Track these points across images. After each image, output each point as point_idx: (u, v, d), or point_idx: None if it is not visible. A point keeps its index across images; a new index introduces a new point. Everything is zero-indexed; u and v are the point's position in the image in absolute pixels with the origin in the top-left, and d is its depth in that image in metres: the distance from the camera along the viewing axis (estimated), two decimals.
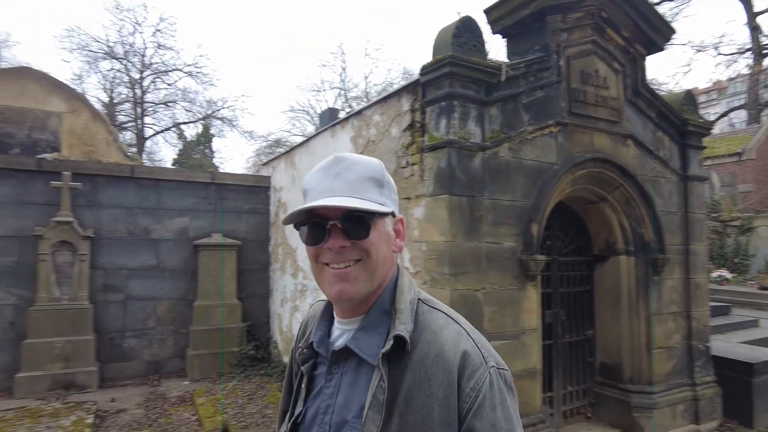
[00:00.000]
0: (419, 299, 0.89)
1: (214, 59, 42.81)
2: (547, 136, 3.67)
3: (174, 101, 23.36)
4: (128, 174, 5.74)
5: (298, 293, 5.50)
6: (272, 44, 41.40)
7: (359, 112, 4.38)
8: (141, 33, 22.74)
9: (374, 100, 4.22)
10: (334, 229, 0.83)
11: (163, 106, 23.41)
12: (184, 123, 24.41)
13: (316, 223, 0.85)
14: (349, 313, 0.90)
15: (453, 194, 3.15)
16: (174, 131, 24.42)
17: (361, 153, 4.16)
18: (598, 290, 4.36)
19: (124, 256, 5.66)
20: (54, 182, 5.25)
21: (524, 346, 3.44)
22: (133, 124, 23.13)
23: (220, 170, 18.27)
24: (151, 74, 23.13)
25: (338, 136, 4.70)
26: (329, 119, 8.16)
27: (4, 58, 20.74)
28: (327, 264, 0.85)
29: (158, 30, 22.54)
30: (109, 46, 22.12)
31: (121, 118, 22.99)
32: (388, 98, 3.94)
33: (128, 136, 23.54)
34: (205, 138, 25.62)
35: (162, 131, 23.94)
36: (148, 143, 23.78)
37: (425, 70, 3.35)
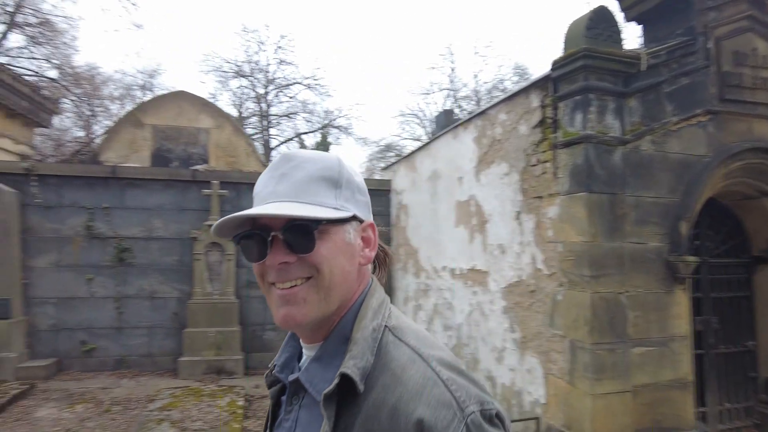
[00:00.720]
0: (387, 327, 0.72)
1: (329, 71, 45.12)
2: (695, 127, 3.36)
3: (295, 113, 25.11)
4: None
5: (421, 293, 5.63)
6: (382, 51, 42.62)
7: (483, 112, 4.37)
8: (264, 51, 24.66)
9: (499, 98, 4.20)
10: (276, 241, 0.69)
11: (285, 117, 25.33)
12: (305, 133, 26.11)
13: (257, 236, 0.70)
14: (308, 339, 0.76)
15: (592, 192, 3.02)
16: (296, 141, 26.27)
17: (486, 153, 4.17)
18: (760, 296, 3.88)
19: None
20: (205, 190, 5.96)
21: (673, 354, 3.18)
22: (260, 135, 25.27)
23: None
24: (275, 89, 25.09)
25: (461, 138, 4.74)
26: (444, 121, 8.23)
27: (155, 85, 23.87)
28: (273, 284, 0.71)
29: (279, 47, 24.32)
30: (237, 66, 24.42)
31: (249, 130, 25.27)
32: (514, 96, 3.89)
33: (257, 147, 25.72)
34: (323, 146, 27.14)
35: (285, 141, 25.83)
36: (273, 153, 25.81)
37: (557, 64, 3.26)
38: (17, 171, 5.73)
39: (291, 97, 25.43)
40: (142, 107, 8.38)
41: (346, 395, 0.66)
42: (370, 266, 0.79)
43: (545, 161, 3.45)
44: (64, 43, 17.75)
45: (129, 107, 20.96)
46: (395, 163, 7.06)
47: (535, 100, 3.60)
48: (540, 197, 3.45)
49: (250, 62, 24.36)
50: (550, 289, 3.31)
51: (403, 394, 0.64)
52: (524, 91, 3.76)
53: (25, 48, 17.14)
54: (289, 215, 0.67)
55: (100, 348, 5.91)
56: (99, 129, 19.75)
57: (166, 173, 6.16)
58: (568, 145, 3.19)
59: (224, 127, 8.24)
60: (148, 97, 21.97)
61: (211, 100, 22.95)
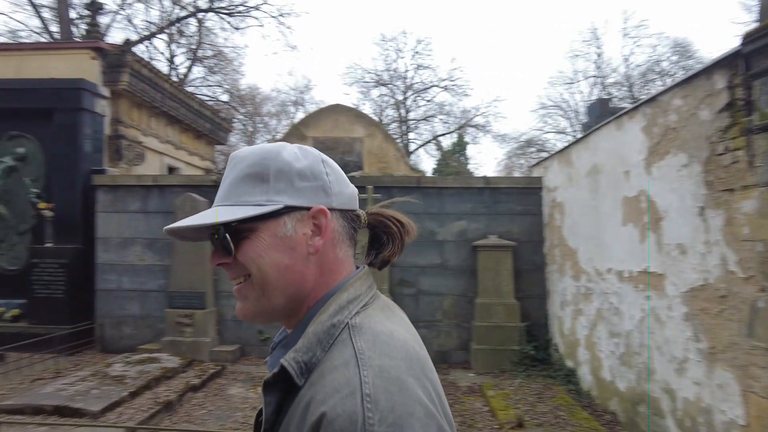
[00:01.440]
0: (350, 324, 0.68)
1: (466, 69, 44.96)
2: None
3: (432, 115, 25.56)
4: (415, 184, 6.54)
5: (581, 296, 5.31)
6: (520, 43, 41.12)
7: (652, 99, 3.99)
8: (402, 58, 25.44)
9: (671, 83, 3.79)
10: (216, 245, 0.73)
11: (423, 121, 25.87)
12: (442, 135, 26.35)
13: (212, 240, 0.74)
14: (286, 326, 0.78)
15: None
16: (433, 143, 26.63)
17: (658, 143, 3.80)
18: None
19: (415, 255, 6.44)
20: (361, 195, 6.35)
21: None
22: (400, 140, 26.14)
23: (493, 175, 19.06)
24: (413, 94, 25.78)
25: (626, 128, 4.38)
26: (599, 111, 7.66)
27: (306, 100, 26.11)
28: None
29: (417, 52, 24.95)
30: (378, 75, 25.60)
31: None
32: (692, 78, 3.48)
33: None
34: (460, 146, 27.09)
35: (423, 144, 26.40)
36: (412, 157, 26.50)
37: (750, 38, 2.84)
38: (207, 183, 6.74)
39: (428, 101, 25.90)
40: (304, 121, 9.29)
41: (290, 386, 0.64)
42: (348, 254, 0.77)
43: (736, 149, 3.03)
44: (233, 69, 20.43)
45: (285, 122, 23.30)
46: (547, 158, 6.78)
47: (719, 80, 3.19)
48: (731, 190, 3.04)
49: (389, 70, 25.41)
50: (746, 295, 2.90)
51: (318, 393, 0.60)
52: (705, 72, 3.34)
53: (203, 78, 20.10)
54: (190, 225, 0.70)
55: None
56: (259, 144, 22.18)
57: None
58: (766, 129, 2.77)
59: (375, 135, 8.77)
60: (301, 112, 24.15)
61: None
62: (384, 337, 0.66)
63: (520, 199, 6.61)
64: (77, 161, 6.89)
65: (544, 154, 23.04)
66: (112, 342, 6.85)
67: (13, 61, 7.46)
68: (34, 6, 14.63)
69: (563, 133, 24.66)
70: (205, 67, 19.50)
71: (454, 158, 26.21)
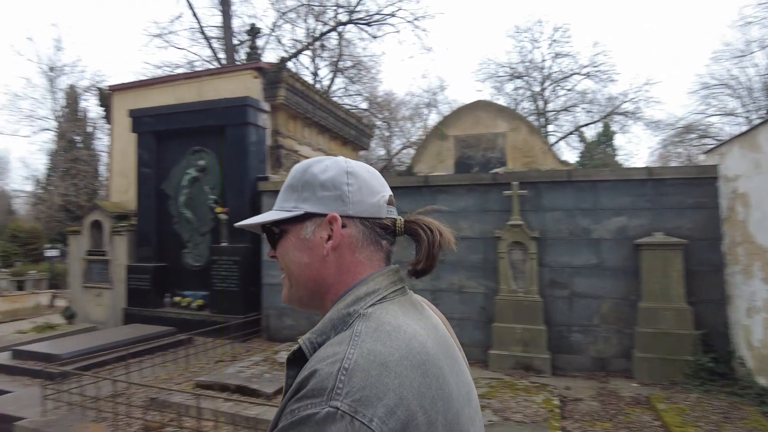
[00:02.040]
0: (362, 313, 0.73)
1: (611, 54, 41.35)
2: None
3: (574, 105, 23.91)
4: (565, 178, 6.15)
5: None
6: (672, 18, 36.53)
7: None
8: (539, 48, 24.23)
9: None
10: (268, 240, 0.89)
11: (563, 112, 24.34)
12: (585, 125, 24.53)
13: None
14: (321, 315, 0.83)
15: None
16: (575, 135, 24.92)
17: None
18: None
19: (567, 254, 6.07)
20: (506, 192, 6.17)
21: None
22: None
23: (656, 165, 17.32)
24: (551, 84, 24.41)
25: None
26: None
27: (439, 102, 26.26)
28: None
29: (554, 41, 23.60)
30: (512, 68, 24.73)
31: None
32: None
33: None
34: (606, 136, 24.95)
35: (564, 137, 24.84)
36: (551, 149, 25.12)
37: None
38: None
39: (569, 90, 24.31)
40: (445, 121, 9.34)
41: (305, 362, 0.71)
42: (371, 258, 0.82)
43: None
44: (371, 77, 21.35)
45: (418, 124, 23.68)
46: (723, 144, 5.88)
47: None
48: None
49: (525, 62, 24.37)
50: None
51: (313, 359, 0.68)
52: None
53: (344, 88, 21.32)
54: (245, 224, 0.88)
55: None
56: (395, 147, 22.91)
57: (468, 178, 6.67)
58: None
59: (519, 129, 8.47)
60: (435, 114, 24.34)
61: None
62: (388, 327, 0.71)
63: (690, 191, 5.83)
64: (245, 170, 7.77)
65: (709, 140, 20.12)
66: (276, 331, 7.58)
67: (194, 86, 8.68)
68: (207, 38, 16.92)
69: (733, 114, 21.35)
70: (345, 77, 20.69)
71: (599, 149, 24.22)
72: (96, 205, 9.08)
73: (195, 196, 8.27)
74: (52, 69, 31.78)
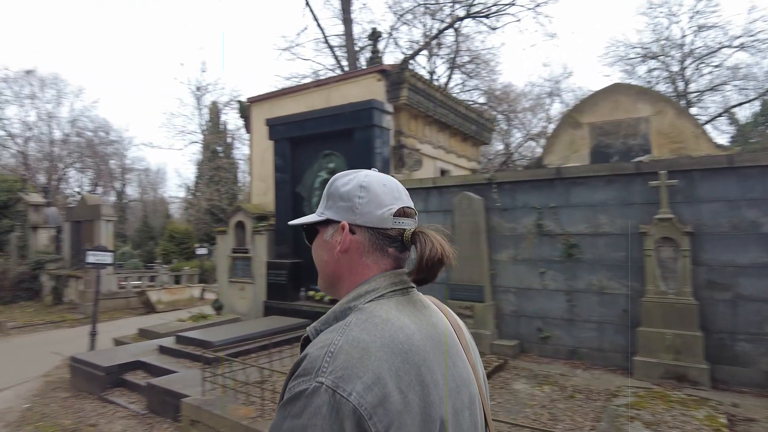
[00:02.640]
0: (359, 307, 0.86)
1: None
2: None
3: (723, 83, 21.04)
4: (726, 164, 5.39)
5: None
6: None
7: None
8: (677, 23, 21.71)
9: None
10: None
11: (710, 92, 21.54)
12: (737, 105, 21.47)
13: None
14: None
15: None
16: (724, 117, 21.93)
17: None
18: None
19: (729, 251, 5.33)
20: (652, 182, 5.59)
21: None
22: None
23: None
24: (694, 61, 21.75)
25: None
26: None
27: (562, 90, 24.77)
28: None
29: (696, 12, 20.97)
30: (644, 48, 22.46)
31: None
32: None
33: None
34: (764, 116, 21.57)
35: (711, 120, 21.97)
36: None
37: None
38: (481, 182, 6.96)
39: (716, 66, 21.44)
40: (578, 108, 8.79)
41: None
42: (378, 262, 0.93)
43: None
44: (490, 70, 20.85)
45: (540, 115, 22.58)
46: None
47: None
48: None
49: (660, 40, 21.98)
50: None
51: (309, 345, 0.80)
52: None
53: (462, 84, 21.09)
54: (292, 223, 1.07)
55: (554, 336, 6.42)
56: (514, 140, 22.11)
57: (608, 168, 6.16)
58: None
59: (665, 112, 7.64)
60: (558, 103, 23.00)
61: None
62: (377, 319, 0.80)
63: None
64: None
65: None
66: None
67: (323, 93, 9.19)
68: (330, 47, 17.86)
69: None
70: (463, 73, 20.46)
71: (756, 131, 21.01)
72: (239, 207, 10.04)
73: None
74: (198, 88, 35.96)
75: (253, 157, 10.64)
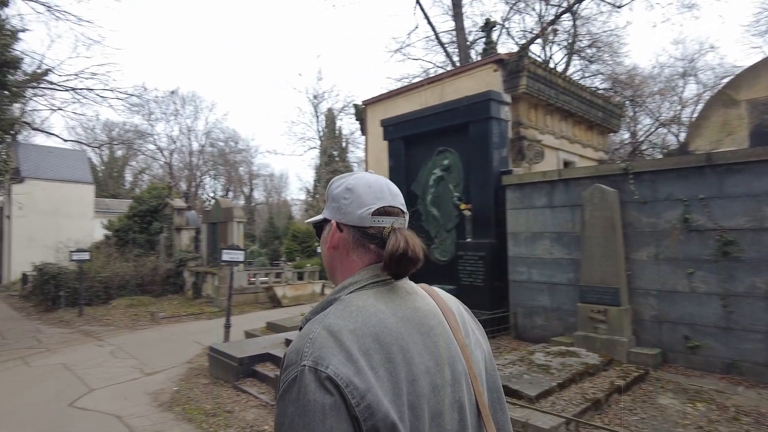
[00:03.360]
0: (341, 298, 0.95)
1: None
2: None
3: None
4: None
5: None
6: None
7: None
8: None
9: None
10: None
11: None
12: None
13: None
14: None
15: None
16: None
17: None
18: None
19: None
20: None
21: None
22: None
23: None
24: None
25: None
26: None
27: (699, 68, 21.98)
28: None
29: None
30: None
31: None
32: None
33: None
34: None
35: None
36: None
37: None
38: (615, 172, 6.30)
39: None
40: (733, 83, 7.64)
41: None
42: (362, 257, 1.02)
43: None
44: (613, 53, 19.18)
45: (671, 100, 20.23)
46: None
47: None
48: None
49: None
50: None
51: (296, 336, 0.91)
52: None
53: (581, 70, 19.66)
54: (308, 222, 1.20)
55: (705, 346, 5.59)
56: (641, 127, 20.02)
57: None
58: None
59: None
60: (692, 83, 20.44)
61: None
62: (353, 308, 0.91)
63: None
64: (488, 165, 7.71)
65: None
66: (524, 330, 7.30)
67: (436, 90, 9.07)
68: (441, 44, 17.66)
69: None
70: (582, 59, 19.06)
71: None
72: None
73: (441, 194, 8.60)
74: (315, 97, 37.99)
75: (368, 158, 10.86)
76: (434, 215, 8.68)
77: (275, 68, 73.90)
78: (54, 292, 14.49)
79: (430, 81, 9.56)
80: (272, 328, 8.72)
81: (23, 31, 9.65)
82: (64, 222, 23.91)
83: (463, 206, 7.91)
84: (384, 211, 1.01)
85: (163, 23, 68.68)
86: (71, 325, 12.05)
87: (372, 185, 1.03)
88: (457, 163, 8.33)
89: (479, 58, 10.94)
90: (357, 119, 11.28)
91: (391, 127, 9.26)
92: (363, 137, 11.00)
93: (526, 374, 4.90)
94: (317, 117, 38.46)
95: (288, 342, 6.94)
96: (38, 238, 22.22)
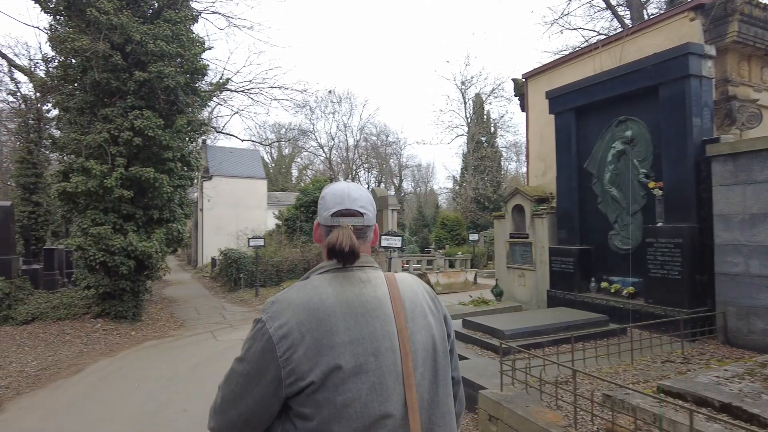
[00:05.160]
0: (308, 278, 1.24)
1: None
2: None
3: None
4: None
5: None
6: None
7: None
8: None
9: None
10: None
11: None
12: None
13: None
14: None
15: None
16: None
17: None
18: None
19: None
20: None
21: None
22: None
23: None
24: None
25: None
26: None
27: None
28: None
29: None
30: None
31: None
32: None
33: None
34: None
35: None
36: None
37: None
38: None
39: None
40: None
41: None
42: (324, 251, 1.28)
43: None
44: None
45: None
46: None
47: None
48: None
49: None
50: None
51: None
52: None
53: None
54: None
55: None
56: None
57: None
58: None
59: None
60: None
61: None
62: (308, 287, 1.17)
63: None
64: (685, 133, 6.38)
65: None
66: (737, 335, 5.91)
67: (614, 51, 7.86)
68: (609, 5, 15.55)
69: None
70: None
71: None
72: (516, 190, 9.51)
73: (621, 171, 7.43)
74: (463, 82, 37.24)
75: (530, 136, 9.98)
76: (613, 196, 7.55)
77: (422, 59, 74.53)
78: (235, 275, 16.33)
79: (606, 42, 8.30)
80: None
81: (209, 49, 10.77)
82: (243, 213, 27.02)
83: (652, 184, 6.70)
84: (341, 213, 1.24)
85: (317, 25, 73.83)
86: (249, 304, 13.38)
87: (335, 192, 1.27)
88: (642, 133, 7.09)
89: (658, 13, 9.26)
90: (516, 95, 10.43)
91: (558, 98, 8.29)
92: (523, 115, 10.12)
93: (764, 393, 3.83)
94: (465, 103, 37.70)
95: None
96: (223, 226, 25.40)
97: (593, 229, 7.95)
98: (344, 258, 1.19)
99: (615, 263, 7.57)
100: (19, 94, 17.47)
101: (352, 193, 1.26)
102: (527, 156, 10.14)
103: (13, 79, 20.10)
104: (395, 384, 1.09)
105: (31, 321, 9.45)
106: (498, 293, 9.46)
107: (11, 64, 13.41)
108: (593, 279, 7.83)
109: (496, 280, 9.88)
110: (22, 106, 18.23)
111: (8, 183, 24.01)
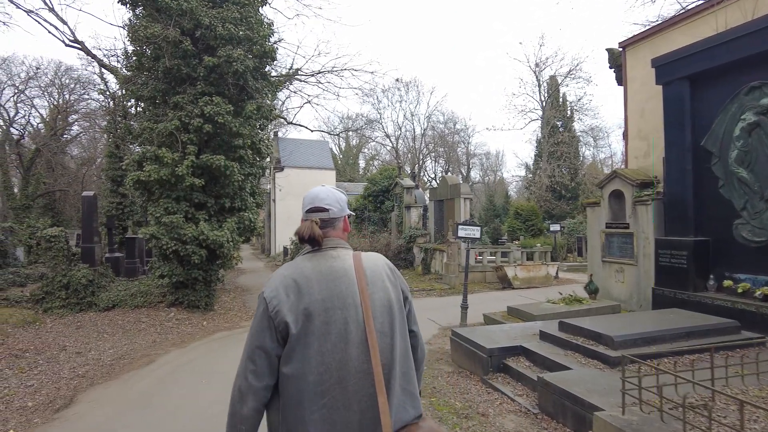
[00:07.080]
0: (296, 257, 1.62)
1: None
2: None
3: None
4: None
5: None
6: None
7: None
8: None
9: None
10: None
11: None
12: None
13: None
14: None
15: None
16: None
17: None
18: None
19: None
20: None
21: None
22: None
23: None
24: None
25: None
26: None
27: None
28: None
29: None
30: None
31: None
32: None
33: None
34: None
35: None
36: None
37: None
38: None
39: None
40: None
41: None
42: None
43: None
44: None
45: None
46: None
47: None
48: None
49: None
50: None
51: None
52: None
53: None
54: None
55: None
56: None
57: None
58: None
59: None
60: None
61: None
62: (294, 264, 1.54)
63: None
64: None
65: None
66: None
67: (743, 5, 6.57)
68: None
69: None
70: None
71: None
72: (615, 173, 8.39)
73: (753, 148, 6.18)
74: (537, 64, 35.21)
75: (628, 112, 8.77)
76: (741, 178, 6.31)
77: (491, 43, 71.95)
78: None
79: None
80: (516, 314, 7.65)
81: (279, 41, 10.43)
82: None
83: None
84: (311, 210, 1.63)
85: (385, 7, 73.22)
86: None
87: (309, 195, 1.67)
88: None
89: None
90: (611, 67, 9.24)
91: (667, 66, 7.10)
92: (622, 86, 8.91)
93: None
94: (539, 86, 35.63)
95: (542, 334, 5.79)
96: (294, 216, 25.67)
97: (712, 217, 6.74)
98: (308, 242, 1.57)
99: (742, 258, 6.37)
100: (108, 92, 18.31)
101: (320, 194, 1.66)
102: (625, 135, 8.93)
103: (103, 78, 21.25)
104: (357, 330, 1.45)
105: (112, 308, 9.67)
106: (593, 290, 8.42)
107: (101, 64, 13.92)
108: (712, 276, 6.66)
109: (590, 275, 8.82)
110: (110, 103, 19.14)
111: (100, 177, 25.62)
